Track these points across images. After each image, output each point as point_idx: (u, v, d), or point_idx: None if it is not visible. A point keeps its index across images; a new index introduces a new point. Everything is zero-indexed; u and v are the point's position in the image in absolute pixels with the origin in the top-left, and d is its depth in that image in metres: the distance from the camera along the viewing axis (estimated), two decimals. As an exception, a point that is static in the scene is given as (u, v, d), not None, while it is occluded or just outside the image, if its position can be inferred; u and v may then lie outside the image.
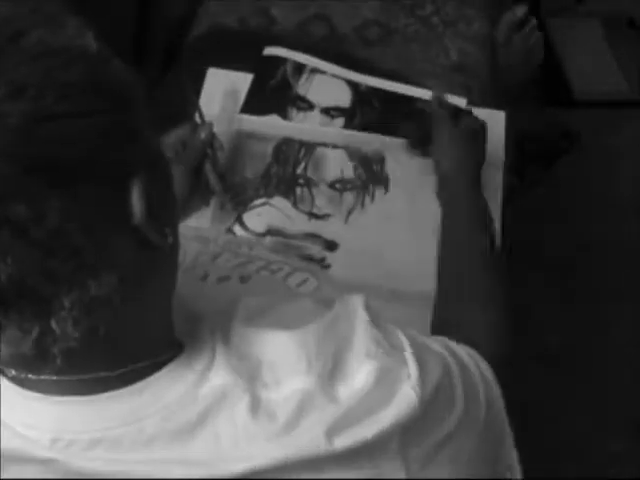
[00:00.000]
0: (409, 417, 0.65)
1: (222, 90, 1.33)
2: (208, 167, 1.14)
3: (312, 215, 1.23)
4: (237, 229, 1.20)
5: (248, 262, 0.91)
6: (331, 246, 1.20)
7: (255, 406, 0.63)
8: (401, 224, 1.22)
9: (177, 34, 1.58)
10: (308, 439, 0.63)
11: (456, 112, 1.22)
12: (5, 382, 0.64)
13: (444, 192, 1.16)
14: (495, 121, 1.32)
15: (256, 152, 1.28)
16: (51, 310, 0.55)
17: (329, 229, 1.22)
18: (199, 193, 1.14)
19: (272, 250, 1.16)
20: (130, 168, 0.58)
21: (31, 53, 0.55)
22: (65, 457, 0.63)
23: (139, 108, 0.61)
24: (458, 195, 1.13)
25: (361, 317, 0.71)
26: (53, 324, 0.56)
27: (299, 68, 1.38)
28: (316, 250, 1.19)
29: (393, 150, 1.29)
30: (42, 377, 0.61)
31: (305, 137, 1.29)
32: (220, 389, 0.64)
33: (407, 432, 0.66)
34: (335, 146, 1.28)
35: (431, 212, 1.20)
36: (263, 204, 1.23)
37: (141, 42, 1.64)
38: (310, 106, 1.34)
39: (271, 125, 1.30)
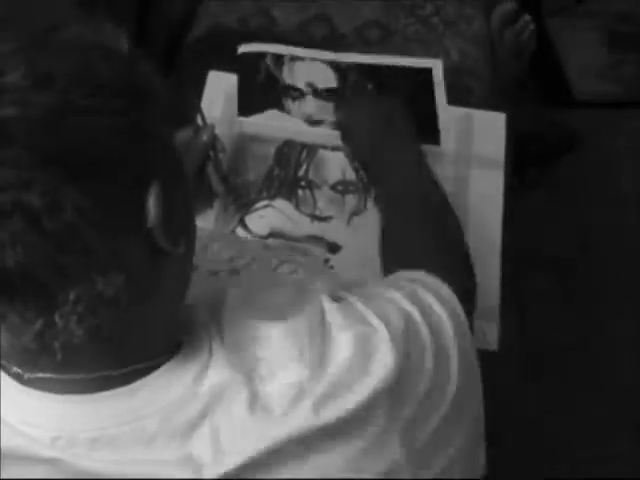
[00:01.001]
0: (389, 380, 0.66)
1: (223, 93, 1.32)
2: (210, 169, 1.14)
3: (314, 217, 1.22)
4: (240, 231, 1.20)
5: (237, 257, 0.93)
6: (333, 248, 1.19)
7: (253, 401, 0.64)
8: None
9: (177, 35, 1.57)
10: (297, 417, 0.64)
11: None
12: (7, 379, 0.64)
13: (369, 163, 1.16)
14: (496, 123, 1.32)
15: (258, 154, 1.27)
16: (56, 304, 0.55)
17: (331, 231, 1.21)
18: (202, 196, 1.15)
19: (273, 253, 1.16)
20: (150, 172, 0.59)
21: (64, 46, 0.56)
22: (67, 456, 0.63)
23: (163, 115, 0.62)
24: (384, 165, 1.11)
25: (324, 299, 0.73)
26: (57, 318, 0.56)
27: (278, 59, 1.38)
28: (319, 252, 1.19)
29: None
30: (43, 375, 0.62)
31: (307, 139, 1.29)
32: (219, 386, 0.64)
33: (391, 395, 0.67)
34: (336, 148, 1.28)
35: None
36: (265, 206, 1.23)
37: (141, 43, 1.64)
38: (302, 94, 1.34)
39: (273, 127, 1.30)
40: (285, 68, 1.36)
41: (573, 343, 1.98)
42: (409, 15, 1.50)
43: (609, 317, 2.03)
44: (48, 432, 0.63)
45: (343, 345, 0.67)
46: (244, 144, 1.28)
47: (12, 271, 0.52)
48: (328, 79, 1.36)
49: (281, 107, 1.32)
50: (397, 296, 0.76)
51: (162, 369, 0.64)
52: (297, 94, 1.34)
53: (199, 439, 0.63)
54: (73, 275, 0.55)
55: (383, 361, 0.67)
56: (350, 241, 1.20)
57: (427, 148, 1.27)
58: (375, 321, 0.70)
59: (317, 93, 1.34)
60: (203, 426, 0.63)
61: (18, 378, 0.63)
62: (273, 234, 1.20)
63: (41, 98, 0.52)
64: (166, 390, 0.64)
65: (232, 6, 1.52)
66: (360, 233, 1.21)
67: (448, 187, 1.19)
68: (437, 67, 1.37)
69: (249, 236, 1.19)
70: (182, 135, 1.12)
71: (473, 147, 1.30)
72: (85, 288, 0.55)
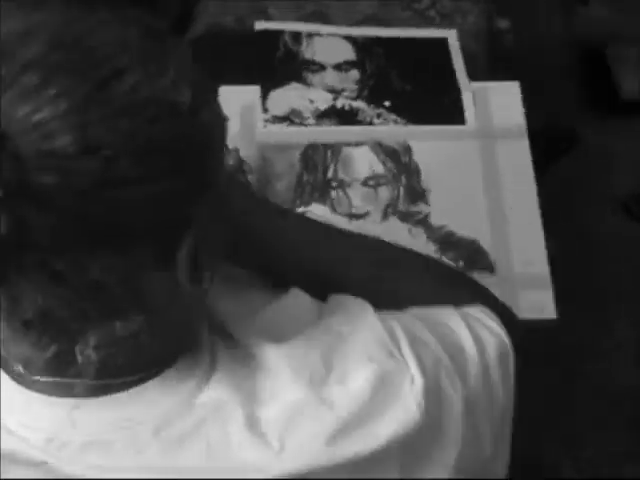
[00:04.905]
0: (410, 432, 0.64)
1: (238, 106, 1.31)
2: None
3: (352, 216, 1.21)
4: None
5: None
6: None
7: (249, 420, 0.63)
8: (439, 208, 1.22)
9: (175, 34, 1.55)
10: (308, 451, 0.63)
11: None
12: (8, 381, 0.64)
13: None
14: (511, 92, 1.34)
15: (284, 163, 1.26)
16: (75, 341, 0.57)
17: (370, 226, 1.20)
18: None
19: None
20: (187, 230, 0.58)
21: (118, 104, 0.52)
22: (57, 460, 0.62)
23: (218, 164, 0.61)
24: None
25: (369, 319, 0.71)
26: (77, 352, 0.57)
27: (296, 36, 1.41)
28: None
29: (418, 138, 1.29)
30: (47, 379, 0.62)
31: (328, 139, 1.29)
32: (217, 401, 0.63)
33: (407, 447, 0.65)
34: (359, 143, 1.28)
35: (466, 191, 1.23)
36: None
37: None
38: (322, 67, 1.37)
39: (293, 133, 1.30)
40: (303, 44, 1.40)
41: (574, 343, 1.98)
42: (406, 9, 1.51)
43: (609, 317, 2.04)
44: (42, 434, 0.62)
45: (363, 377, 0.65)
46: (267, 154, 1.27)
47: (31, 315, 0.53)
48: (346, 52, 1.39)
49: (302, 80, 1.35)
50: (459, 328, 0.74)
51: (162, 377, 0.64)
52: (317, 67, 1.37)
53: (192, 452, 0.62)
54: (93, 319, 0.55)
55: (407, 411, 0.65)
56: (389, 233, 1.17)
57: (454, 129, 1.30)
58: (412, 364, 0.67)
59: (337, 66, 1.37)
60: (197, 439, 0.62)
61: (19, 380, 0.63)
62: None
63: (86, 167, 0.50)
64: (163, 398, 0.63)
65: (230, 5, 1.52)
66: (398, 223, 1.22)
67: (476, 164, 1.24)
68: (452, 37, 1.41)
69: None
70: None
71: (494, 119, 1.31)
72: (106, 329, 0.56)
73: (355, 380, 0.65)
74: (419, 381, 0.66)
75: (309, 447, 0.62)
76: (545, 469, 1.78)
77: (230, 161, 1.13)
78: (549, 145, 2.13)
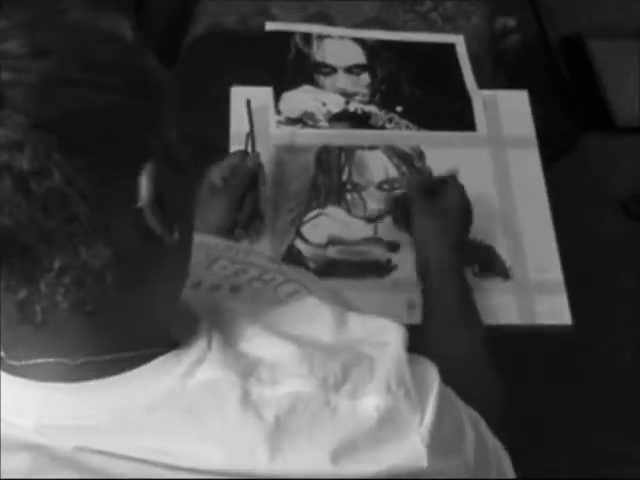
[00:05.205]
0: (412, 467, 0.64)
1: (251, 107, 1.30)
2: (253, 197, 1.16)
3: (367, 219, 1.22)
4: (298, 243, 1.19)
5: (242, 271, 0.89)
6: (393, 247, 1.19)
7: (246, 400, 0.62)
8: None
9: (171, 37, 1.55)
10: (312, 458, 0.62)
11: (432, 187, 1.17)
12: None
13: (425, 280, 1.12)
14: (519, 101, 1.37)
15: (298, 164, 1.27)
16: (41, 271, 0.55)
17: (387, 230, 1.21)
18: (244, 220, 1.17)
19: (335, 256, 1.18)
20: (146, 153, 0.59)
21: (65, 26, 0.57)
22: (50, 443, 0.62)
23: (167, 101, 0.62)
24: (438, 287, 1.09)
25: (396, 350, 0.69)
26: (42, 287, 0.56)
27: (306, 37, 1.42)
28: (380, 253, 1.19)
29: (430, 144, 1.30)
30: (29, 362, 0.61)
31: (342, 142, 1.29)
32: (210, 382, 0.63)
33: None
34: (373, 147, 1.28)
35: (479, 198, 1.22)
36: (317, 215, 1.22)
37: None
38: (333, 69, 1.38)
39: (306, 135, 1.30)
40: (314, 46, 1.40)
41: (574, 343, 1.97)
42: (408, 11, 1.52)
43: (609, 317, 2.04)
44: (33, 419, 0.62)
45: (374, 404, 0.64)
46: (281, 156, 1.27)
47: None
48: (357, 55, 1.41)
49: (314, 83, 1.36)
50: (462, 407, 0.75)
51: (153, 362, 0.63)
52: (329, 70, 1.37)
53: (185, 433, 0.62)
54: (57, 241, 0.55)
55: (413, 446, 0.64)
56: (407, 237, 1.20)
57: (465, 135, 1.32)
58: (430, 406, 0.66)
59: (348, 69, 1.38)
60: (191, 420, 0.62)
61: (4, 366, 0.63)
62: (332, 241, 1.20)
63: (37, 66, 0.53)
64: (154, 382, 0.62)
65: (232, 6, 1.51)
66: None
67: (488, 171, 1.26)
68: (460, 43, 1.43)
69: (308, 247, 1.19)
70: (230, 160, 1.15)
71: (503, 128, 1.33)
72: (69, 257, 0.55)
73: (364, 402, 0.64)
74: (428, 422, 0.65)
75: (312, 455, 0.61)
76: (545, 469, 1.78)
77: (250, 163, 1.14)
78: (549, 145, 2.13)
